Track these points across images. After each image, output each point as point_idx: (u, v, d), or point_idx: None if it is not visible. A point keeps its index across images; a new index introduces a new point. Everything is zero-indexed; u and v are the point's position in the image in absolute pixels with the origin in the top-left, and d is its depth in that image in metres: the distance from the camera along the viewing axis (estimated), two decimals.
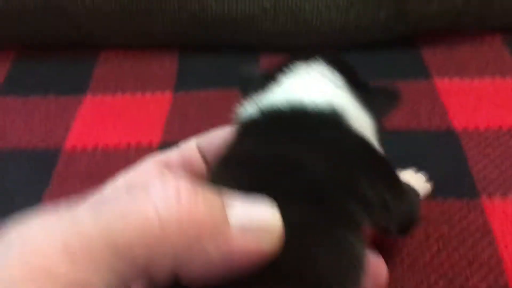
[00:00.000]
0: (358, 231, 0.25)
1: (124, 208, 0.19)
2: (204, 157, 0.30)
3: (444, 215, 0.38)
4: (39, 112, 0.50)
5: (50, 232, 0.18)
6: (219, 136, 0.30)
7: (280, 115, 0.28)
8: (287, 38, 0.56)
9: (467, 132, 0.45)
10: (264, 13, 0.54)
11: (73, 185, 0.43)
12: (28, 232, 0.18)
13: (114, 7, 0.53)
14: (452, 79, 0.51)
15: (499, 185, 0.40)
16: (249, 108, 0.29)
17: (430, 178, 0.39)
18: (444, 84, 0.51)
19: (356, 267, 0.24)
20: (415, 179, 0.38)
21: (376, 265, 0.27)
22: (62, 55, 0.58)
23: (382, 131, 0.30)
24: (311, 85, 0.29)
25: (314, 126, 0.27)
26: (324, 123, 0.27)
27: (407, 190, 0.32)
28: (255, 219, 0.20)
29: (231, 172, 0.26)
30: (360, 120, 0.29)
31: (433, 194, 0.39)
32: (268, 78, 0.30)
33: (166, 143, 0.46)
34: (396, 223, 0.30)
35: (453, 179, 0.41)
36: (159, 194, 0.19)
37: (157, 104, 0.51)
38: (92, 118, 0.50)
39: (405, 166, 0.39)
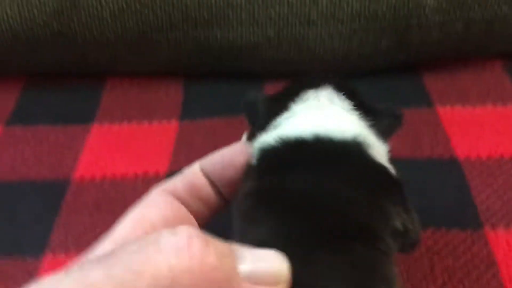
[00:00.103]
0: (392, 258, 0.26)
1: (136, 263, 0.19)
2: (209, 179, 0.30)
3: (448, 246, 0.38)
4: (47, 141, 0.51)
5: None
6: (223, 156, 0.30)
7: (305, 147, 0.28)
8: (291, 66, 0.56)
9: (470, 161, 0.46)
10: (268, 41, 0.55)
11: (82, 216, 0.44)
12: None
13: (120, 35, 0.54)
14: (454, 107, 0.52)
15: (502, 216, 0.41)
16: (266, 138, 0.29)
17: (433, 207, 0.40)
18: (446, 112, 0.51)
19: None
20: None
21: None
22: (69, 83, 0.59)
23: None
24: (329, 115, 0.29)
25: (343, 159, 0.28)
26: (349, 155, 0.28)
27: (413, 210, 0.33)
28: (264, 271, 0.20)
29: (278, 212, 0.26)
30: (377, 147, 0.29)
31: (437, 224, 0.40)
32: (275, 104, 0.31)
33: (173, 173, 0.46)
34: (407, 243, 0.30)
35: (457, 209, 0.41)
36: (170, 246, 0.19)
37: (163, 133, 0.51)
38: (99, 148, 0.50)
39: (407, 195, 0.39)
